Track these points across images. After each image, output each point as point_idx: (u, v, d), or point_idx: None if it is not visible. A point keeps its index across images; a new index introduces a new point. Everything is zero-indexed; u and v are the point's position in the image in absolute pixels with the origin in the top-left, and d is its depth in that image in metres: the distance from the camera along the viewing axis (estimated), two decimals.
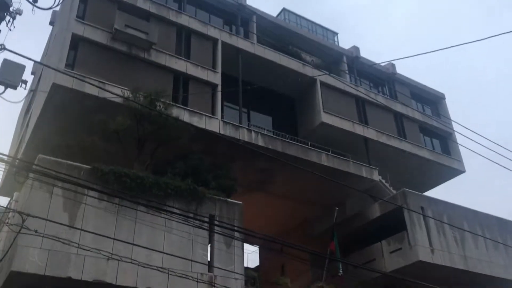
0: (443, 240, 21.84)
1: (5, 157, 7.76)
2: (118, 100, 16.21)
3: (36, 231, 10.79)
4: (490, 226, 24.33)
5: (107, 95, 15.91)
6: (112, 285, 13.01)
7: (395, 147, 25.65)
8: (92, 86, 16.04)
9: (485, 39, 11.06)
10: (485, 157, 14.92)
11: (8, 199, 16.99)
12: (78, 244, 11.90)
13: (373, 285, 21.77)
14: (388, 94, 28.87)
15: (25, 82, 9.65)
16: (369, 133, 24.92)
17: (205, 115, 19.66)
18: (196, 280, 13.87)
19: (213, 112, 20.16)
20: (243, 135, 20.34)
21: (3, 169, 8.46)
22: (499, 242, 23.18)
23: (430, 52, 13.61)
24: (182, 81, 20.21)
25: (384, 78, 29.26)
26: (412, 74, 32.23)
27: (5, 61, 9.43)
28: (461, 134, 14.05)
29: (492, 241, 23.10)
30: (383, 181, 24.41)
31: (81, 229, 12.34)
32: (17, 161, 9.81)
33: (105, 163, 14.44)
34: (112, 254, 12.26)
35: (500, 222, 25.10)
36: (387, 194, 23.79)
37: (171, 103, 18.18)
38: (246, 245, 21.91)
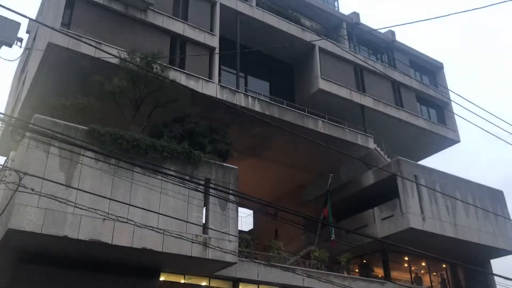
0: (435, 208, 22.21)
1: (1, 115, 7.73)
2: (115, 61, 16.05)
3: (33, 190, 10.86)
4: (482, 195, 24.73)
5: (103, 56, 15.75)
6: (108, 244, 13.21)
7: (391, 116, 25.69)
8: (88, 46, 15.85)
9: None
10: (480, 128, 14.98)
11: (5, 158, 17.07)
12: (75, 203, 12.01)
13: (365, 250, 22.29)
14: (386, 62, 28.68)
15: (21, 40, 9.52)
16: (366, 101, 24.89)
17: (202, 79, 19.52)
18: (191, 241, 14.10)
19: (210, 76, 20.01)
20: (240, 100, 20.28)
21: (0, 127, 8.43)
22: (489, 211, 23.60)
23: (430, 19, 13.42)
24: (179, 44, 19.96)
25: (383, 46, 28.99)
26: (423, 45, 31.77)
27: (0, 18, 9.26)
28: (457, 104, 14.05)
29: (483, 210, 23.52)
30: (378, 149, 24.57)
31: (77, 189, 12.42)
32: (14, 119, 9.78)
33: (101, 125, 14.41)
34: (108, 214, 12.39)
35: (491, 191, 25.49)
36: (381, 162, 24.00)
37: (167, 65, 18.02)
38: (240, 209, 22.26)
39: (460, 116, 14.15)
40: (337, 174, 24.57)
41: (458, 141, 28.87)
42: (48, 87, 17.30)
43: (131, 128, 15.76)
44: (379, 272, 24.11)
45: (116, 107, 16.07)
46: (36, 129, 9.46)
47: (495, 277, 23.83)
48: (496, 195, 25.62)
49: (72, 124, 14.04)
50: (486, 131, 14.67)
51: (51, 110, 14.83)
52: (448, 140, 28.55)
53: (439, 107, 29.41)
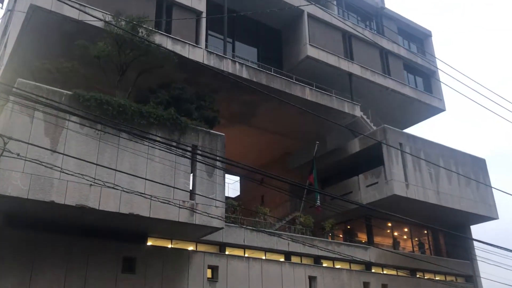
0: (419, 176, 22.61)
1: None
2: (99, 24, 15.67)
3: (18, 155, 10.76)
4: (465, 163, 25.20)
5: (87, 19, 15.35)
6: (95, 210, 13.24)
7: (378, 84, 25.73)
8: (72, 9, 15.41)
9: None
10: (466, 96, 15.13)
11: None
12: (61, 168, 11.94)
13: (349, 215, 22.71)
14: (375, 29, 28.49)
15: (1, 1, 9.22)
16: (354, 68, 24.84)
17: (189, 44, 19.23)
18: (178, 206, 14.21)
19: (197, 41, 19.70)
20: (227, 66, 20.07)
21: None
22: (471, 178, 24.10)
23: None
24: (165, 7, 19.51)
25: (372, 13, 28.72)
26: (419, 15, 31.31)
27: None
28: (444, 72, 14.10)
29: (465, 178, 24.03)
30: (364, 117, 24.72)
31: (63, 154, 12.34)
32: None
33: (86, 90, 14.20)
34: (95, 179, 12.37)
35: (474, 160, 25.98)
36: (367, 130, 24.19)
37: (153, 29, 17.68)
38: (227, 176, 22.38)
39: (446, 85, 14.23)
40: (323, 142, 24.74)
41: (443, 110, 29.15)
42: (31, 50, 16.89)
43: (117, 94, 15.57)
44: (363, 237, 24.68)
45: (101, 72, 15.80)
46: (19, 93, 9.30)
47: (475, 242, 24.60)
48: (479, 163, 26.12)
49: (56, 88, 13.81)
50: (471, 99, 14.83)
51: (34, 74, 14.56)
52: (434, 108, 28.80)
53: (426, 76, 29.52)
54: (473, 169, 25.38)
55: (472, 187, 24.70)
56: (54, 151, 12.52)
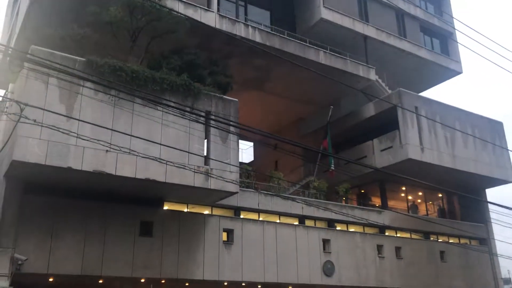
0: (434, 140, 22.42)
1: None
2: None
3: (35, 121, 10.89)
4: (481, 126, 24.88)
5: None
6: (111, 175, 13.46)
7: (394, 46, 25.23)
8: None
9: None
10: (483, 57, 14.78)
11: (3, 91, 16.98)
12: (77, 134, 12.08)
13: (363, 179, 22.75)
14: None
15: None
16: (369, 31, 24.32)
17: (200, 8, 18.97)
18: (193, 171, 14.35)
19: (208, 4, 19.42)
20: (239, 30, 19.81)
21: None
22: (487, 141, 23.84)
23: None
24: None
25: None
26: None
27: None
28: (461, 32, 13.74)
29: (481, 141, 23.77)
30: (379, 80, 24.38)
31: (79, 120, 12.45)
32: (11, 50, 9.60)
33: (99, 57, 14.18)
34: (110, 145, 12.50)
35: (491, 123, 25.63)
36: (382, 93, 23.91)
37: None
38: (240, 142, 22.45)
39: (463, 46, 13.88)
40: (337, 106, 24.57)
41: (460, 72, 28.57)
42: (43, 17, 16.83)
43: (129, 60, 15.54)
44: (377, 201, 24.79)
45: (113, 38, 15.75)
46: (34, 60, 9.33)
47: (489, 205, 24.56)
48: (496, 126, 25.77)
49: (69, 55, 13.82)
50: (490, 60, 14.49)
51: (47, 41, 14.52)
52: (451, 71, 28.25)
53: (443, 37, 28.79)
54: (489, 132, 25.06)
55: (488, 150, 24.46)
56: (70, 117, 12.65)
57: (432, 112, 22.98)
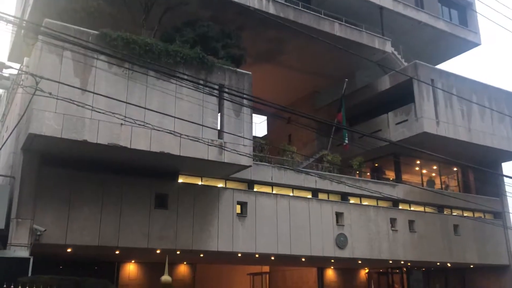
0: (450, 113, 22.12)
1: (13, 18, 7.59)
2: None
3: (50, 94, 10.97)
4: (498, 99, 24.43)
5: None
6: (126, 148, 13.59)
7: (410, 18, 24.67)
8: None
9: None
10: (504, 28, 14.38)
11: (18, 65, 17.07)
12: (92, 107, 12.15)
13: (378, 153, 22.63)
14: None
15: None
16: (385, 1, 23.76)
17: None
18: (207, 144, 14.40)
19: None
20: (253, 1, 19.51)
21: (11, 31, 8.30)
22: (505, 114, 23.45)
23: None
24: None
25: None
26: None
27: None
28: (481, 2, 13.36)
29: (498, 114, 23.40)
30: (395, 53, 23.97)
31: (93, 92, 12.52)
32: (25, 22, 9.61)
33: (112, 30, 14.13)
34: (125, 117, 12.56)
35: (509, 95, 25.14)
36: (398, 66, 23.53)
37: None
38: (254, 116, 22.38)
39: (483, 15, 13.52)
40: (352, 79, 24.29)
41: (479, 44, 27.91)
42: None
43: (142, 33, 15.48)
44: (391, 175, 24.71)
45: (126, 11, 15.65)
46: (48, 33, 9.33)
47: (505, 179, 24.33)
48: None
49: (83, 28, 13.78)
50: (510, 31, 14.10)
51: (61, 14, 14.50)
52: (469, 42, 27.60)
53: (462, 8, 28.04)
54: (507, 105, 24.60)
55: (505, 123, 24.07)
56: (85, 90, 12.71)
57: (449, 85, 22.60)
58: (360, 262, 22.30)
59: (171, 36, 16.17)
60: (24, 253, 13.44)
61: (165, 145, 14.03)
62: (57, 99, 11.64)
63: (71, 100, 11.37)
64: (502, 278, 25.34)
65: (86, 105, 12.08)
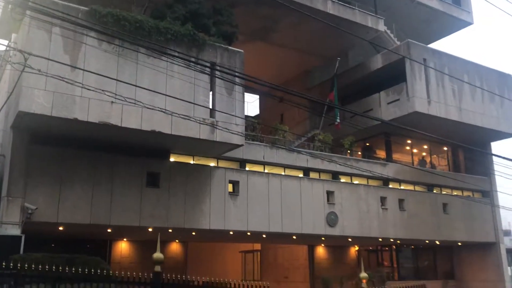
0: (441, 92, 22.18)
1: None
2: None
3: (39, 71, 10.81)
4: (490, 79, 24.51)
5: None
6: (117, 126, 13.49)
7: None
8: None
9: None
10: (496, 6, 14.34)
11: (6, 41, 16.75)
12: (82, 84, 12.01)
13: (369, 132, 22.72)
14: None
15: None
16: None
17: None
18: (199, 122, 14.35)
19: None
20: None
21: None
22: (495, 94, 23.57)
23: None
24: None
25: None
26: None
27: None
28: None
29: (489, 94, 23.52)
30: (388, 31, 23.87)
31: (83, 69, 12.35)
32: None
33: (102, 6, 13.87)
34: (116, 95, 12.44)
35: (500, 75, 25.22)
36: (391, 45, 23.45)
37: None
38: (246, 95, 22.31)
39: None
40: (344, 58, 24.19)
41: (471, 23, 27.87)
42: None
43: (133, 9, 15.22)
44: (381, 154, 24.87)
45: None
46: (36, 8, 9.14)
47: (494, 158, 24.61)
48: (505, 79, 25.35)
49: (72, 4, 13.51)
50: (503, 10, 14.07)
51: None
52: (461, 22, 27.53)
53: None
54: (498, 84, 24.70)
55: (496, 103, 24.21)
56: (75, 67, 12.54)
57: (441, 64, 22.61)
58: (350, 240, 22.60)
59: (161, 13, 15.94)
60: (15, 231, 13.44)
61: (156, 123, 13.96)
62: (46, 76, 11.48)
63: (60, 77, 11.21)
64: (489, 255, 25.87)
65: (76, 82, 11.93)
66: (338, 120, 22.42)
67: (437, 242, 24.81)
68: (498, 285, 25.11)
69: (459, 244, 25.86)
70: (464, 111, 22.73)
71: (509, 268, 27.64)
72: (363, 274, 12.37)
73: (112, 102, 13.08)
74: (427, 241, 24.27)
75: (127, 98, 12.39)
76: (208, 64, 14.94)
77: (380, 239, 22.56)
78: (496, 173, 23.17)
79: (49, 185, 14.26)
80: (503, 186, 23.41)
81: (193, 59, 14.28)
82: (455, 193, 24.77)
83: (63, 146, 14.69)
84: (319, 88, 25.49)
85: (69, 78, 12.11)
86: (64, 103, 12.72)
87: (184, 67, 13.25)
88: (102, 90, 12.08)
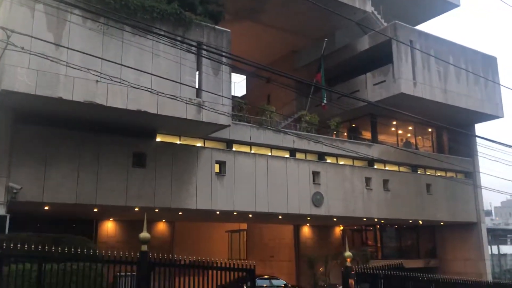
0: (427, 74, 22.34)
1: None
2: None
3: (22, 48, 10.62)
4: (475, 61, 24.73)
5: None
6: (103, 106, 13.36)
7: None
8: None
9: None
10: None
11: None
12: (66, 63, 11.84)
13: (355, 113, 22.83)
14: None
15: None
16: None
17: None
18: (185, 102, 14.27)
19: None
20: None
21: None
22: (480, 76, 23.80)
23: None
24: None
25: None
26: None
27: None
28: None
29: (474, 76, 23.74)
30: (375, 12, 23.83)
31: (68, 48, 12.15)
32: None
33: None
34: (101, 74, 12.30)
35: (485, 58, 25.44)
36: (378, 26, 23.46)
37: None
38: (233, 75, 22.20)
39: None
40: (332, 39, 24.14)
41: (458, 5, 27.96)
42: None
43: None
44: (367, 135, 25.07)
45: None
46: None
47: (477, 139, 24.99)
48: (489, 62, 25.59)
49: None
50: None
51: None
52: (448, 3, 27.62)
53: None
54: (483, 67, 24.94)
55: (480, 85, 24.48)
56: (59, 45, 12.32)
57: (427, 46, 22.70)
58: (335, 219, 22.91)
59: None
60: (0, 210, 13.36)
61: (142, 103, 13.86)
62: (30, 54, 11.28)
63: (44, 55, 11.03)
64: (470, 235, 26.45)
65: (61, 61, 11.76)
66: (325, 101, 22.48)
67: (420, 222, 25.27)
68: (479, 263, 25.76)
69: (442, 224, 26.38)
70: (449, 93, 22.96)
71: (489, 247, 28.33)
72: (348, 253, 12.57)
73: (97, 81, 12.93)
74: (410, 221, 24.71)
75: (112, 77, 12.27)
76: (194, 44, 14.80)
77: (365, 219, 22.91)
78: (479, 154, 23.55)
79: (34, 165, 14.15)
80: (486, 167, 23.85)
81: (179, 38, 14.13)
82: (438, 174, 25.16)
83: (48, 126, 14.54)
84: (306, 69, 25.46)
85: (53, 56, 11.93)
86: (48, 81, 12.54)
87: (170, 46, 13.14)
88: (87, 69, 11.93)
